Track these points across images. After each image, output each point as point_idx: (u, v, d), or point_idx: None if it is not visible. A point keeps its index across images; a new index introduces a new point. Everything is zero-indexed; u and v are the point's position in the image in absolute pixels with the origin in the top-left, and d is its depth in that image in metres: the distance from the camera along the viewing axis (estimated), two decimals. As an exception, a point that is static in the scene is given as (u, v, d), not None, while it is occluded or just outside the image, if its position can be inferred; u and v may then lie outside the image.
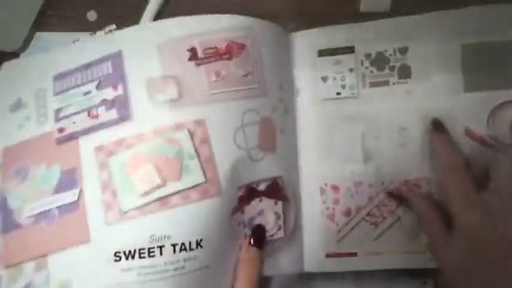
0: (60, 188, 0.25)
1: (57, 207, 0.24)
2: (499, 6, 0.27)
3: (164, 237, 0.22)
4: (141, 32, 0.26)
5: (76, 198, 0.24)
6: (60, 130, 0.26)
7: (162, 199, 0.23)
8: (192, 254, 0.22)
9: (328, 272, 0.27)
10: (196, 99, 0.25)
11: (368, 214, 0.28)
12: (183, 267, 0.22)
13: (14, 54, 0.31)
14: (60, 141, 0.26)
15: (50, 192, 0.25)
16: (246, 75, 0.26)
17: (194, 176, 0.24)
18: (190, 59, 0.25)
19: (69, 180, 0.25)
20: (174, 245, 0.22)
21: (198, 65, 0.25)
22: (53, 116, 0.27)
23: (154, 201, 0.23)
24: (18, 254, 0.24)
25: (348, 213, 0.28)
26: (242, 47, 0.27)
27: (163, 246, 0.22)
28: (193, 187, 0.23)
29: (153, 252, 0.22)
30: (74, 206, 0.24)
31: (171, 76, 0.25)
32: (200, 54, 0.26)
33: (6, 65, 0.30)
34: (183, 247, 0.22)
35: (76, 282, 0.23)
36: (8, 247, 0.25)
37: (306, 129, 0.29)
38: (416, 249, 0.27)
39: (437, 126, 0.26)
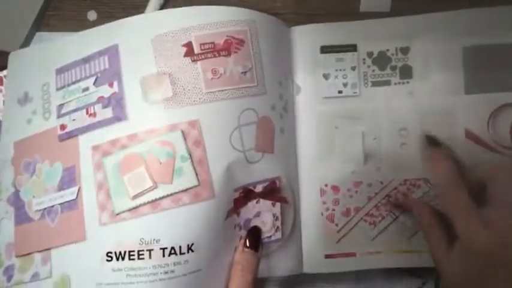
0: (63, 185, 0.26)
1: (59, 204, 0.25)
2: (501, 8, 0.28)
3: (153, 240, 0.22)
4: (136, 24, 0.26)
5: (75, 196, 0.25)
6: (62, 127, 0.27)
7: (153, 202, 0.23)
8: (182, 258, 0.23)
9: (327, 272, 0.28)
10: (191, 99, 0.24)
11: (367, 214, 0.28)
12: (172, 271, 0.22)
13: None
14: (61, 139, 0.26)
15: (54, 189, 0.26)
16: (245, 73, 0.25)
17: (186, 179, 0.23)
18: (186, 55, 0.25)
19: (69, 178, 0.26)
20: (163, 249, 0.22)
21: (194, 61, 0.25)
22: (56, 112, 0.27)
23: (145, 204, 0.23)
24: (28, 245, 0.26)
25: (347, 213, 0.28)
26: (241, 42, 0.26)
27: (152, 249, 0.22)
28: (185, 190, 0.23)
29: (142, 255, 0.22)
30: (73, 204, 0.25)
31: (166, 73, 0.25)
32: (196, 49, 0.25)
33: (14, 55, 0.30)
34: (172, 251, 0.22)
35: (74, 277, 0.24)
36: (20, 238, 0.26)
37: (306, 128, 0.29)
38: (415, 248, 0.27)
39: (432, 142, 0.25)
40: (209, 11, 0.25)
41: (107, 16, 0.32)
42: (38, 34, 0.33)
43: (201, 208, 0.23)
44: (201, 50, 0.25)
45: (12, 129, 0.29)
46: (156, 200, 0.23)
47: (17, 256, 0.26)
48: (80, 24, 0.32)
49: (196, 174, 0.23)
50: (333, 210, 0.28)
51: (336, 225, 0.28)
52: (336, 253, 0.27)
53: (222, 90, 0.25)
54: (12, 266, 0.26)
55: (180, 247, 0.22)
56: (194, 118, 0.24)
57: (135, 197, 0.23)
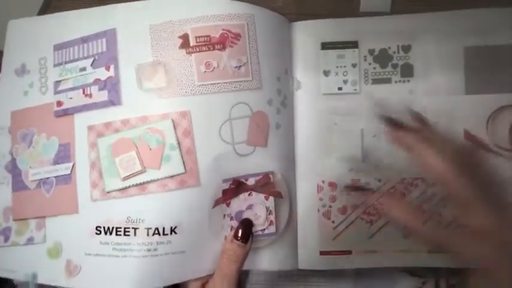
0: (58, 159, 0.29)
1: (55, 177, 0.29)
2: (503, 10, 0.28)
3: (139, 220, 0.26)
4: (135, 10, 0.28)
5: (69, 172, 0.28)
6: (58, 104, 0.29)
7: (141, 185, 0.26)
8: (165, 238, 0.26)
9: (322, 269, 0.29)
10: (183, 90, 0.27)
11: (364, 212, 0.29)
12: (155, 250, 0.26)
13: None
14: (58, 115, 0.29)
15: (50, 162, 0.29)
16: (239, 67, 0.28)
17: (174, 166, 0.26)
18: (181, 47, 0.27)
19: (64, 153, 0.29)
20: (148, 229, 0.26)
21: (188, 53, 0.27)
22: (53, 88, 0.30)
23: (134, 186, 0.26)
24: (24, 211, 0.30)
25: (344, 211, 0.30)
26: (237, 36, 0.27)
27: (138, 228, 0.26)
28: (171, 177, 0.26)
29: (128, 232, 0.26)
30: (68, 179, 0.28)
31: (161, 63, 0.27)
32: (192, 42, 0.27)
33: (13, 24, 0.31)
34: (156, 231, 0.26)
35: (66, 246, 0.28)
36: (16, 203, 0.30)
37: (305, 124, 0.30)
38: (411, 248, 0.28)
39: (391, 122, 0.24)
40: (208, 2, 0.27)
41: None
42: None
43: (186, 194, 0.26)
44: (197, 42, 0.27)
45: (9, 99, 0.31)
46: (144, 183, 0.26)
47: (14, 220, 0.30)
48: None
49: (184, 163, 0.26)
50: (330, 207, 0.29)
51: (333, 222, 0.29)
52: (332, 250, 0.29)
53: (214, 84, 0.27)
54: (10, 228, 0.30)
55: (163, 228, 0.26)
56: (185, 109, 0.27)
57: (125, 178, 0.26)
